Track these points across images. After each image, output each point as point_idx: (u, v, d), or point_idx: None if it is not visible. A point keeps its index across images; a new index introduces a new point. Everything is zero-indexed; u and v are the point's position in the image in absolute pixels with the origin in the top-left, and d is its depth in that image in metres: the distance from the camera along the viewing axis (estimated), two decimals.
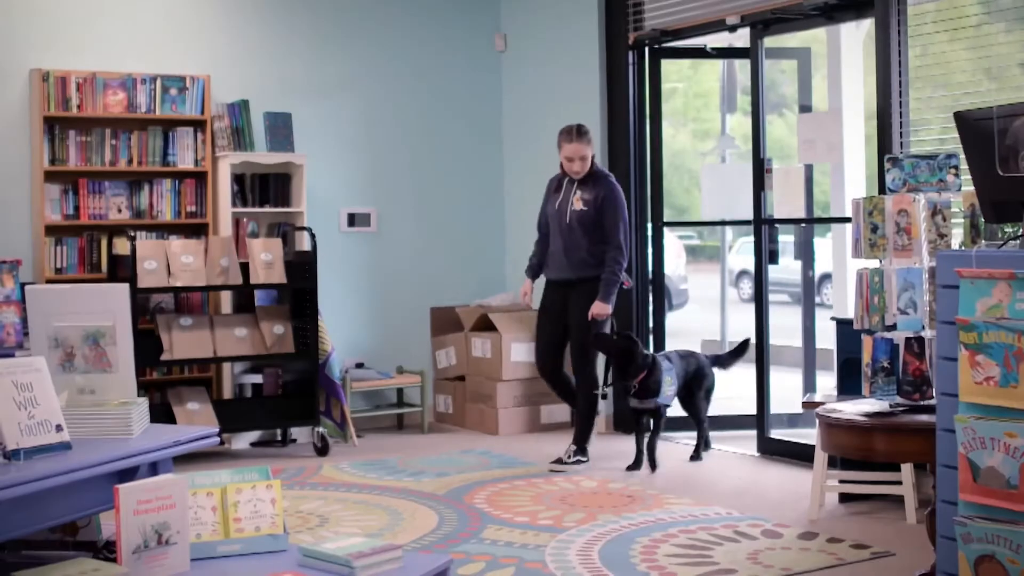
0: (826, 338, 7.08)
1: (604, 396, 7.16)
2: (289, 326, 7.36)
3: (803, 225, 7.45)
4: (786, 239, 7.64)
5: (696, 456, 6.97)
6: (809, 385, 7.25)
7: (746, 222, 7.38)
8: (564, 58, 8.23)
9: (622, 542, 5.21)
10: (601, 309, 6.66)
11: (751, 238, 7.30)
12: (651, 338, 7.96)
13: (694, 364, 6.97)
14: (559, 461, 6.74)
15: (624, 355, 6.66)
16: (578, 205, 6.73)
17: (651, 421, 6.85)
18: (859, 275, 4.73)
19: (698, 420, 7.03)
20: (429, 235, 8.54)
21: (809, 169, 7.07)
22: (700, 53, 7.98)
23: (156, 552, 2.89)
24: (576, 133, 6.74)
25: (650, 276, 7.95)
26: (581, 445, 6.82)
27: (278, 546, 3.19)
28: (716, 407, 8.11)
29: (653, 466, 6.72)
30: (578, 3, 8.10)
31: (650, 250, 7.94)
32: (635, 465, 6.70)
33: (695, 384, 6.96)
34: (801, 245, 7.60)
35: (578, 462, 6.74)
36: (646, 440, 6.78)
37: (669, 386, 6.76)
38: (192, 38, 7.66)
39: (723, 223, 8.79)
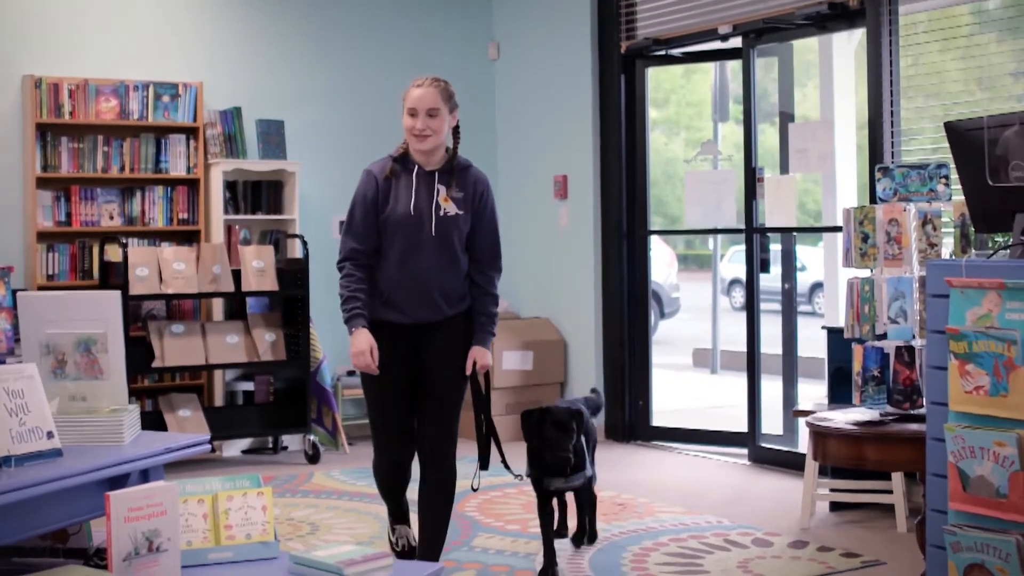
0: (817, 347, 7.08)
1: (520, 477, 4.95)
2: (281, 333, 7.36)
3: (782, 235, 7.44)
4: (777, 247, 7.63)
5: (591, 537, 5.31)
6: (790, 398, 7.17)
7: (737, 231, 7.38)
8: (557, 66, 8.25)
9: (612, 550, 5.22)
10: (487, 359, 4.52)
11: (743, 246, 7.29)
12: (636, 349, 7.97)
13: (581, 417, 5.04)
14: None
15: (565, 431, 4.84)
16: (449, 207, 4.47)
17: (580, 502, 5.24)
18: (850, 284, 4.74)
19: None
20: None
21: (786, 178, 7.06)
22: (684, 59, 7.98)
23: (147, 559, 2.88)
24: (430, 80, 4.51)
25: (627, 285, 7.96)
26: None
27: (269, 553, 3.18)
28: (706, 421, 8.11)
29: (593, 538, 5.32)
30: (571, 12, 8.12)
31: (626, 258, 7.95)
32: (548, 570, 4.81)
33: (587, 442, 5.12)
34: (783, 255, 7.53)
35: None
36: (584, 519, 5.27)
37: (589, 451, 5.15)
38: (185, 45, 7.67)
39: (715, 231, 8.80)
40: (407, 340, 4.49)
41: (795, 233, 7.27)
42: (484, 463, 4.62)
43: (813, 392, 7.39)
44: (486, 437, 4.63)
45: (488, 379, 4.66)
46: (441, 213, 4.45)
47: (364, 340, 4.40)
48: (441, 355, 4.50)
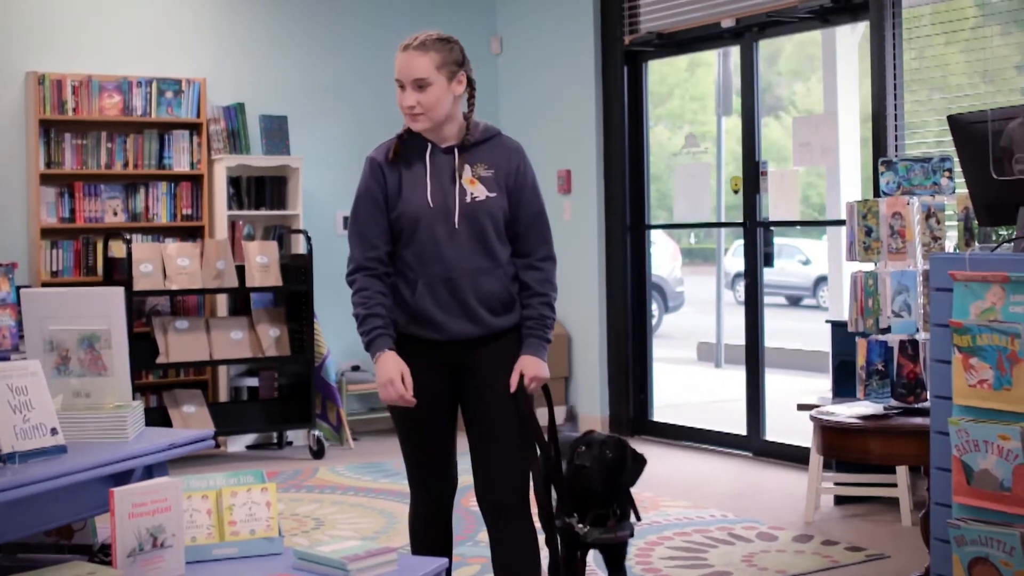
0: (822, 340, 7.06)
1: (584, 526, 3.96)
2: (285, 329, 7.36)
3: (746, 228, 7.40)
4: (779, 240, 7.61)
5: None
6: (755, 391, 7.18)
7: (738, 224, 7.38)
8: (560, 61, 8.24)
9: None
10: (540, 369, 3.52)
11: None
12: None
13: (626, 446, 4.22)
14: None
15: (638, 466, 4.11)
16: (476, 190, 3.53)
17: (609, 560, 4.08)
18: (853, 278, 4.74)
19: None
20: None
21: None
22: (683, 49, 7.99)
23: (151, 555, 2.89)
24: (419, 40, 3.72)
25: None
26: None
27: (273, 549, 3.18)
28: (710, 415, 8.00)
29: None
30: (574, 6, 8.11)
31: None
32: None
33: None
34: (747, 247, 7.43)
35: None
36: None
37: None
38: (188, 41, 7.67)
39: (718, 224, 8.79)
40: (443, 362, 3.53)
41: (771, 228, 7.23)
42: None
43: (818, 386, 7.37)
44: (548, 477, 3.69)
45: (549, 398, 3.64)
46: (468, 199, 3.49)
47: (392, 366, 3.43)
48: (493, 377, 3.52)
